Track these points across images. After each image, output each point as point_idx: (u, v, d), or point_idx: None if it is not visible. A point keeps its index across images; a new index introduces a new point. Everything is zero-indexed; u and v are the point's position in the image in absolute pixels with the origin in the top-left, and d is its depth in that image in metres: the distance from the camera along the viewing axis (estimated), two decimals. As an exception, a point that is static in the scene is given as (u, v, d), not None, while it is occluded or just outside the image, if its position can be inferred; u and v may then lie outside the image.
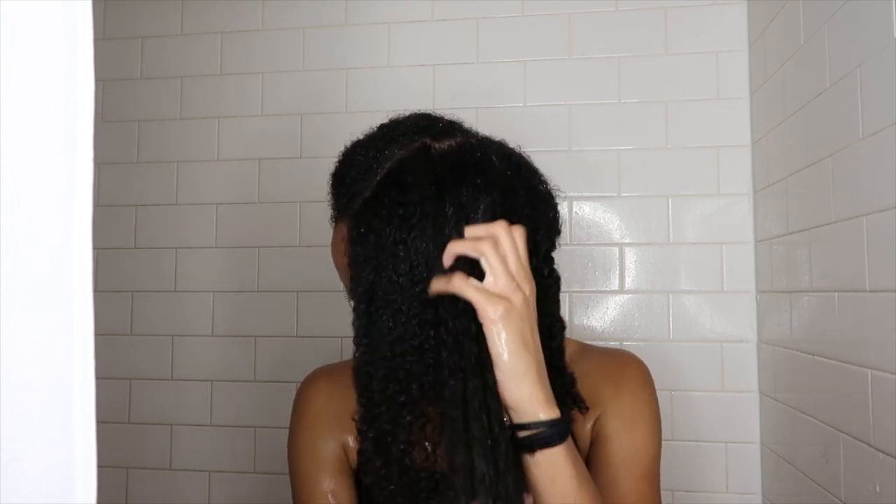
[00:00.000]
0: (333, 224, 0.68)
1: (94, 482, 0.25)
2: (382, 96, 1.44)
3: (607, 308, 1.37)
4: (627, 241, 1.37)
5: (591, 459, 0.72)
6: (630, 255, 1.37)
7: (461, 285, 0.56)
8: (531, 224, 0.66)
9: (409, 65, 1.45)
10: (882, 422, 0.81)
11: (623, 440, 0.71)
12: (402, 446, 0.60)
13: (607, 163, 1.38)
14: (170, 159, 1.52)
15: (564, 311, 1.37)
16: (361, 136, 0.67)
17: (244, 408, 1.45)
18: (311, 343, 1.43)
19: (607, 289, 1.37)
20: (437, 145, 0.63)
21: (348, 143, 0.68)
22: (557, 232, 0.72)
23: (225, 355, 1.47)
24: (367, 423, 0.61)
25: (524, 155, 0.71)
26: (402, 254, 0.58)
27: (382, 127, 0.67)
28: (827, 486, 0.97)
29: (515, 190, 0.64)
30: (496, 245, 0.58)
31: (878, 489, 0.82)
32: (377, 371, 0.60)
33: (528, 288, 0.59)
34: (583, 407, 0.69)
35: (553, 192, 0.72)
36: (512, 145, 0.71)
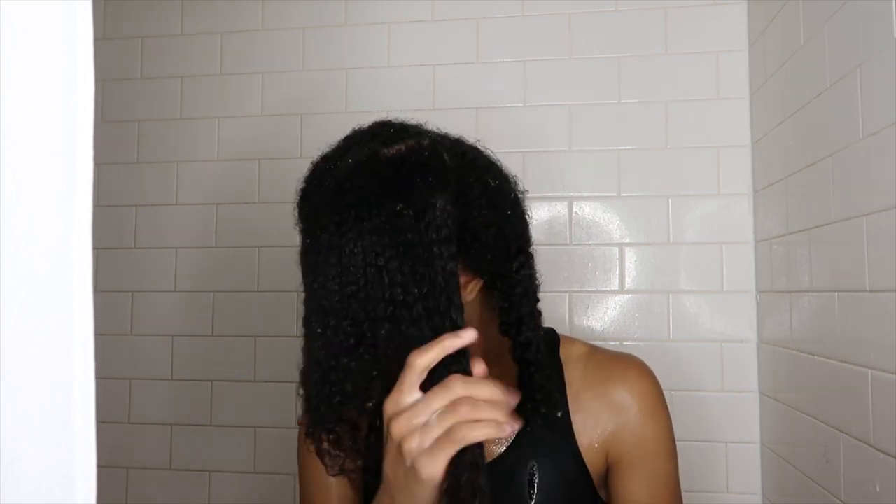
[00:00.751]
0: (300, 238, 0.68)
1: (94, 482, 0.25)
2: (382, 96, 1.44)
3: (607, 308, 1.37)
4: (627, 241, 1.37)
5: (617, 488, 0.73)
6: (630, 255, 1.37)
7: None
8: (491, 220, 0.65)
9: (409, 65, 1.45)
10: (882, 422, 0.81)
11: (649, 472, 0.72)
12: (349, 444, 0.62)
13: (607, 163, 1.38)
14: (170, 159, 1.52)
15: (564, 311, 1.37)
16: (328, 150, 0.67)
17: (244, 408, 1.45)
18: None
19: (607, 289, 1.37)
20: (385, 150, 0.62)
21: (316, 158, 0.68)
22: (525, 226, 0.70)
23: (225, 355, 1.47)
24: (312, 426, 0.62)
25: (482, 149, 0.70)
26: (333, 259, 0.58)
27: (344, 138, 0.67)
28: (827, 486, 0.97)
29: (470, 185, 0.64)
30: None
31: (878, 489, 0.82)
32: (314, 375, 0.60)
33: None
34: (553, 411, 0.70)
35: (515, 185, 0.71)
36: (470, 140, 0.70)
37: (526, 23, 1.43)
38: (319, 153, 0.67)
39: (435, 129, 0.69)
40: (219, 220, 1.49)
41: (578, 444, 0.72)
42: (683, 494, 1.36)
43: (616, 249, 1.37)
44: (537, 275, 0.71)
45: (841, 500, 0.92)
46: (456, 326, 0.58)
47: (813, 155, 1.02)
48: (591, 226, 1.38)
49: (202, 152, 1.51)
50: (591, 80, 1.40)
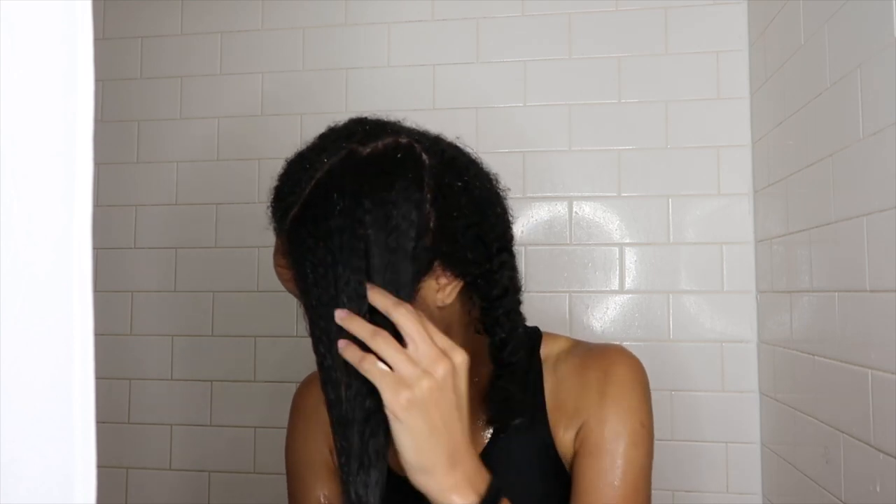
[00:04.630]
0: (275, 236, 0.65)
1: (93, 482, 0.25)
2: (382, 96, 1.44)
3: (607, 308, 1.37)
4: (627, 241, 1.37)
5: (575, 471, 0.69)
6: (630, 255, 1.37)
7: (370, 368, 0.54)
8: (471, 220, 0.63)
9: (409, 65, 1.45)
10: (882, 422, 0.81)
11: (607, 455, 0.67)
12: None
13: (607, 163, 1.38)
14: (169, 159, 1.52)
15: (564, 311, 1.37)
16: (304, 147, 0.65)
17: (244, 408, 1.45)
18: (310, 343, 1.43)
19: (607, 289, 1.37)
20: (362, 149, 0.60)
21: (291, 155, 0.66)
22: (507, 225, 0.69)
23: (225, 355, 1.47)
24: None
25: (462, 147, 0.68)
26: (327, 277, 0.57)
27: (320, 136, 0.65)
28: (827, 486, 0.97)
29: (449, 185, 0.62)
30: (417, 315, 0.55)
31: (878, 489, 0.82)
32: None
33: (443, 367, 0.55)
34: (509, 418, 0.68)
35: (496, 183, 0.69)
36: (450, 138, 0.68)
37: (526, 23, 1.43)
38: (295, 150, 0.66)
39: (413, 125, 0.67)
40: (219, 220, 1.49)
41: (554, 438, 0.70)
42: (683, 494, 1.35)
43: (616, 249, 1.37)
44: (519, 274, 0.70)
45: (841, 500, 0.92)
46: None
47: (813, 155, 1.02)
48: (591, 226, 1.38)
49: (202, 152, 1.51)
50: (591, 80, 1.40)
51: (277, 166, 0.67)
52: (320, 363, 0.59)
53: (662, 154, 1.37)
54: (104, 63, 1.54)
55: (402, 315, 0.55)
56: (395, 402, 0.53)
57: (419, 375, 0.54)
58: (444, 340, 0.56)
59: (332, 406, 0.57)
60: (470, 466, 0.56)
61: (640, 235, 1.37)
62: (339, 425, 0.56)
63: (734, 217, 1.34)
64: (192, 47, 1.53)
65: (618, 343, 0.79)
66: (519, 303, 0.70)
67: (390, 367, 0.54)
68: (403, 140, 0.62)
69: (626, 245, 1.37)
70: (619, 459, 0.67)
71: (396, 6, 1.46)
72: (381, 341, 0.54)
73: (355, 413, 0.55)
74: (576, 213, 1.39)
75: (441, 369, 0.55)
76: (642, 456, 0.68)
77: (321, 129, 0.67)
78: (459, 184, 0.63)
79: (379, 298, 0.56)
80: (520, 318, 0.70)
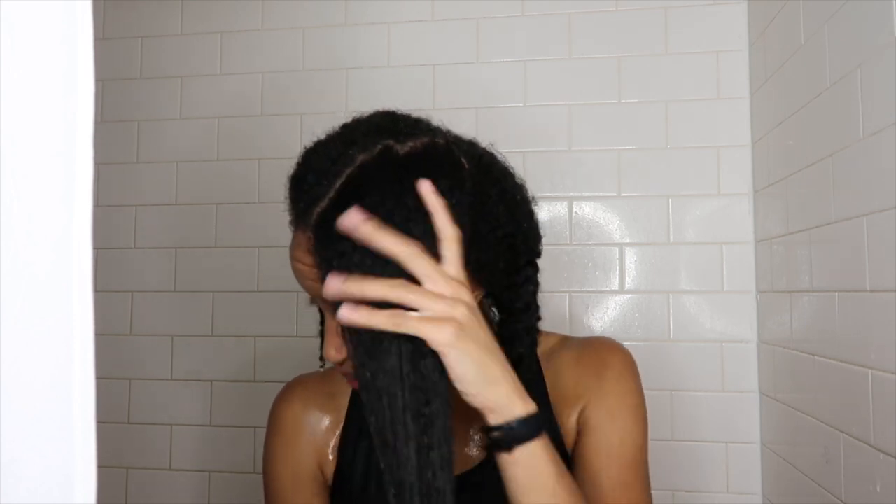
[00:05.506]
0: (292, 229, 0.62)
1: (93, 482, 0.25)
2: (382, 96, 1.44)
3: (607, 308, 1.36)
4: (627, 241, 1.37)
5: (575, 453, 0.70)
6: (630, 255, 1.37)
7: (403, 322, 0.51)
8: (505, 230, 0.62)
9: (409, 65, 1.45)
10: (882, 422, 0.81)
11: (606, 431, 0.69)
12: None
13: (607, 163, 1.38)
14: (169, 159, 1.52)
15: (564, 311, 1.37)
16: (322, 136, 0.62)
17: (244, 408, 1.45)
18: (311, 343, 1.43)
19: (607, 289, 1.37)
20: (399, 147, 0.56)
21: (309, 143, 0.62)
22: (537, 238, 0.68)
23: (225, 355, 1.47)
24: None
25: (496, 154, 0.67)
26: (368, 269, 0.53)
27: (344, 126, 0.62)
28: (827, 486, 0.97)
29: (486, 192, 0.60)
30: (421, 254, 0.53)
31: (878, 489, 0.82)
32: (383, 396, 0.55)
33: (465, 292, 0.54)
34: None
35: (528, 193, 0.68)
36: (484, 144, 0.67)
37: (526, 23, 1.43)
38: (313, 139, 0.62)
39: (441, 124, 0.64)
40: (219, 220, 1.49)
41: (560, 428, 0.71)
42: (683, 494, 1.35)
43: (616, 249, 1.37)
44: (540, 290, 0.69)
45: (841, 500, 0.92)
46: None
47: (813, 155, 1.02)
48: (591, 226, 1.38)
49: (202, 152, 1.51)
50: (591, 80, 1.40)
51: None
52: (360, 380, 0.55)
53: (662, 154, 1.37)
54: (104, 63, 1.54)
55: (410, 257, 0.52)
56: (442, 337, 0.51)
57: (452, 304, 0.52)
58: (455, 271, 0.55)
59: (382, 453, 0.54)
60: (518, 382, 0.57)
61: (640, 235, 1.37)
62: (396, 482, 0.53)
63: (734, 217, 1.34)
64: (192, 47, 1.53)
65: (603, 335, 0.79)
66: (539, 319, 0.69)
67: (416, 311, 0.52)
68: (441, 141, 0.59)
69: (626, 245, 1.37)
70: (619, 434, 0.69)
71: (396, 6, 1.46)
72: (401, 290, 0.52)
73: (409, 465, 0.53)
74: (576, 213, 1.39)
75: (465, 294, 0.54)
76: (639, 434, 0.70)
77: (322, 129, 0.65)
78: (496, 191, 0.62)
79: (386, 242, 0.52)
80: (537, 335, 0.70)
